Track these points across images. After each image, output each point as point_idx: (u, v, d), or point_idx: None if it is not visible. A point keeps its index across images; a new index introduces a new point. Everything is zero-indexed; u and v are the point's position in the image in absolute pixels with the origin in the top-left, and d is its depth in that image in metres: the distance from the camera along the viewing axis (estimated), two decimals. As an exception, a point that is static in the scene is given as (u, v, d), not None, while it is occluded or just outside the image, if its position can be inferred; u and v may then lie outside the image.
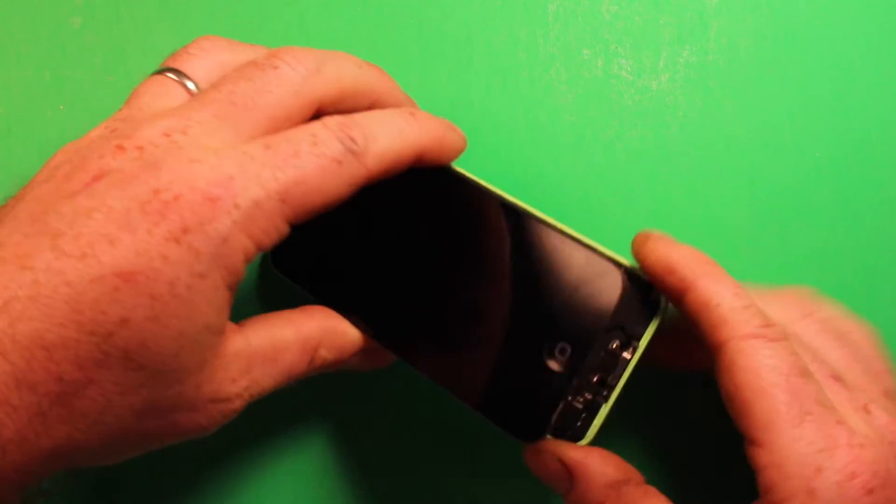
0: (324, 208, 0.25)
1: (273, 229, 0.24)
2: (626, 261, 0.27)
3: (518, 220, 0.28)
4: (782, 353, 0.24)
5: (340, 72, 0.28)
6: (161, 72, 0.28)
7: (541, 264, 0.28)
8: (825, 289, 0.33)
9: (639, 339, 0.27)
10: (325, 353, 0.28)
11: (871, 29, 0.33)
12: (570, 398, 0.27)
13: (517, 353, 0.27)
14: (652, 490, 0.26)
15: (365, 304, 0.29)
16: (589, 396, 0.27)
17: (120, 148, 0.24)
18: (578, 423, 0.27)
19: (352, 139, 0.26)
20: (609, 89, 0.34)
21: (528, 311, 0.28)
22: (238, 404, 0.26)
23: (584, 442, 0.27)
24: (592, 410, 0.27)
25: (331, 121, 0.26)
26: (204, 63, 0.28)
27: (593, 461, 0.26)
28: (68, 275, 0.22)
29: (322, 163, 0.25)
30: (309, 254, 0.30)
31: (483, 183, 0.29)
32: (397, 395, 0.33)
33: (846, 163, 0.33)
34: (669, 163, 0.33)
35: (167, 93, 0.28)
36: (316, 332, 0.28)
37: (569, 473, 0.26)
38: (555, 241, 0.28)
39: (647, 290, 0.27)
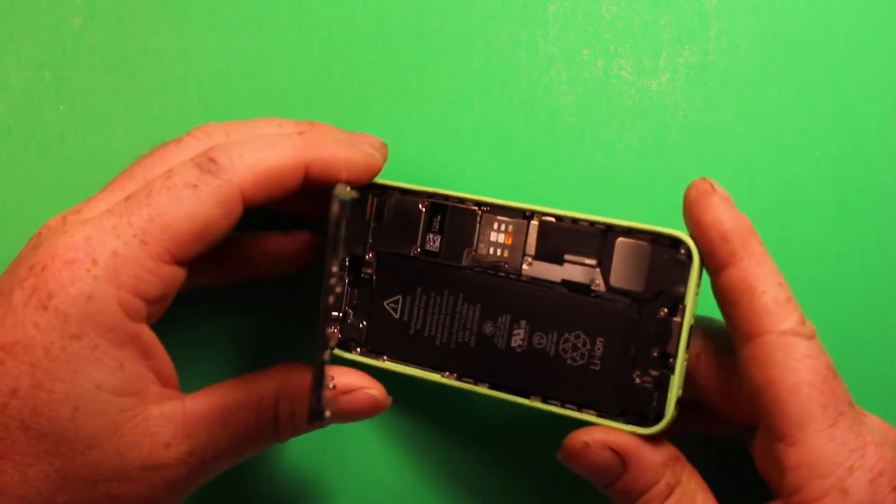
0: (203, 234, 0.25)
1: (145, 272, 0.24)
2: (642, 224, 0.27)
3: (520, 219, 0.28)
4: (818, 351, 0.24)
5: (252, 133, 0.28)
6: None
7: (560, 253, 0.28)
8: (825, 289, 0.33)
9: (683, 299, 0.26)
10: (289, 407, 0.27)
11: (870, 29, 0.33)
12: (637, 380, 0.27)
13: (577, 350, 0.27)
14: (693, 468, 0.27)
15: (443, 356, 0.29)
16: (655, 373, 0.26)
17: (31, 239, 0.26)
18: (654, 403, 0.26)
19: (211, 160, 0.25)
20: (609, 89, 0.34)
21: (573, 303, 0.28)
22: (184, 471, 0.25)
23: (665, 419, 0.26)
24: (663, 386, 0.26)
25: (199, 152, 0.26)
26: None
27: (646, 443, 0.26)
28: None
29: (174, 192, 0.25)
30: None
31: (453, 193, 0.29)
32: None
33: (846, 163, 0.33)
34: (669, 163, 0.33)
35: None
36: (271, 387, 0.27)
37: (620, 460, 0.26)
38: (562, 228, 0.28)
39: (674, 246, 0.26)
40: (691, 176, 0.33)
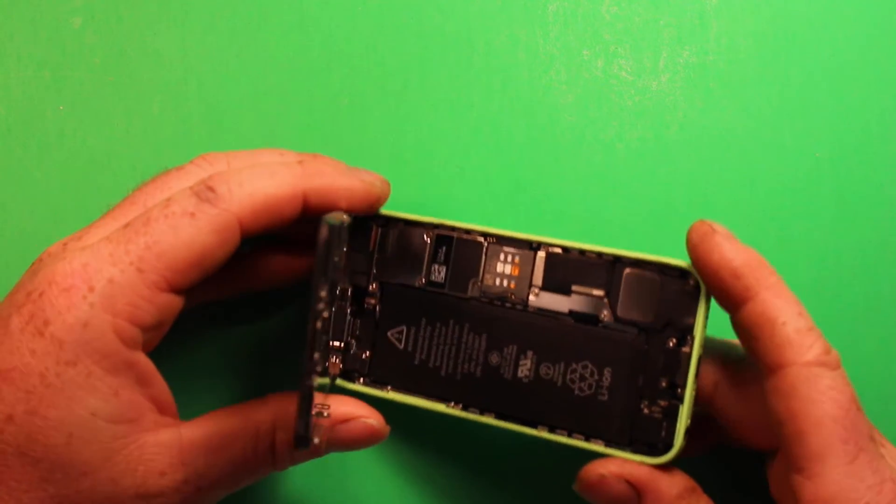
0: (200, 263, 0.25)
1: (140, 300, 0.24)
2: (650, 255, 0.27)
3: (526, 250, 0.28)
4: (842, 383, 0.24)
5: (253, 161, 0.28)
6: None
7: (567, 284, 0.28)
8: (825, 289, 0.33)
9: (692, 330, 0.26)
10: (286, 436, 0.27)
11: (870, 29, 0.33)
12: (645, 410, 0.27)
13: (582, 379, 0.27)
14: (710, 499, 0.27)
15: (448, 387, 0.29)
16: (664, 403, 0.26)
17: (32, 264, 0.26)
18: (663, 433, 0.26)
19: (209, 188, 0.25)
20: (609, 89, 0.34)
21: (581, 335, 0.28)
22: (178, 500, 0.25)
23: (674, 449, 0.26)
24: (672, 415, 0.26)
25: (199, 180, 0.26)
26: None
27: (661, 475, 0.26)
28: None
29: (172, 221, 0.25)
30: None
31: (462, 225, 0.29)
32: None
33: (846, 163, 0.33)
34: (669, 163, 0.33)
35: None
36: (268, 416, 0.27)
37: (635, 492, 0.26)
38: (570, 259, 0.28)
39: (683, 277, 0.26)
40: (692, 177, 0.33)
